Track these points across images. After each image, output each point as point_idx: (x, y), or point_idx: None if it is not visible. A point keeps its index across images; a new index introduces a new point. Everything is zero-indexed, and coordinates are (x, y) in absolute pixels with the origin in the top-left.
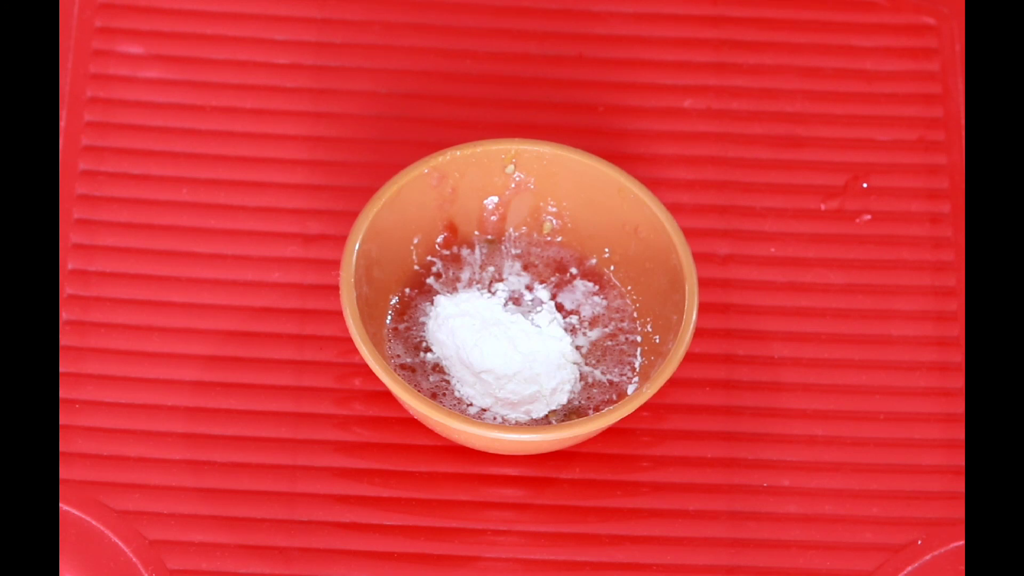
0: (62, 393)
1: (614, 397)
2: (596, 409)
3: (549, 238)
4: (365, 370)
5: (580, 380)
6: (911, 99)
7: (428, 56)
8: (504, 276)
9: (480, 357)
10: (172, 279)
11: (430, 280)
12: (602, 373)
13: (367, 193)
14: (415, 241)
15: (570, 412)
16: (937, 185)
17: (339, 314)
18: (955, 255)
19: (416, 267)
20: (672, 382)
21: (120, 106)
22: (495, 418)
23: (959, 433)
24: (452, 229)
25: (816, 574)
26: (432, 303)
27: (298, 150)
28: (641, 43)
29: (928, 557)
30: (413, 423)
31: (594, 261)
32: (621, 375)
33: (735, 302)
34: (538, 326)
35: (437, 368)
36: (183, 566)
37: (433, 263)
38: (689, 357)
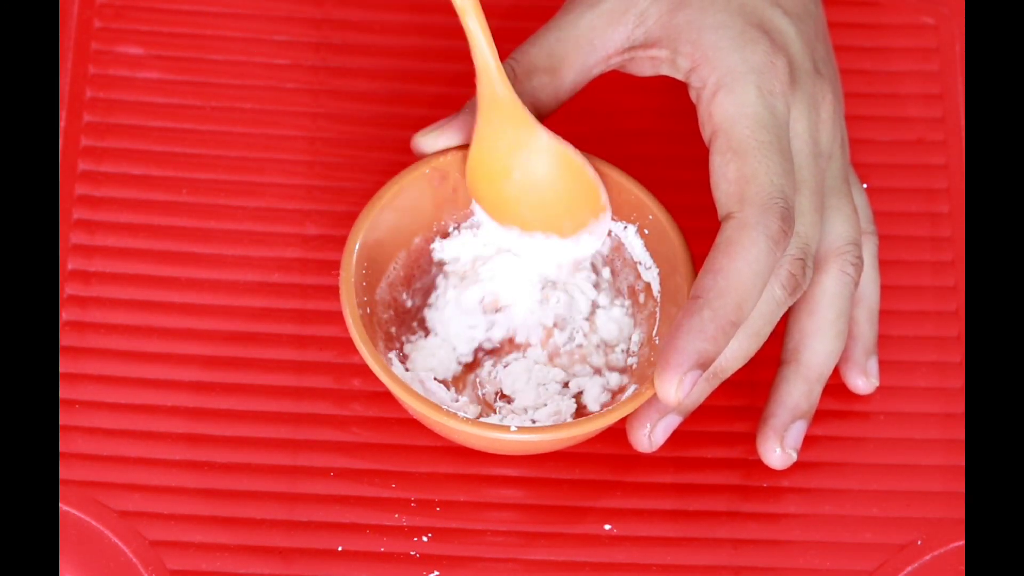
0: (62, 393)
1: (614, 397)
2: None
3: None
4: (365, 370)
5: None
6: (911, 99)
7: (429, 56)
8: None
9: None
10: (172, 280)
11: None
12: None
13: (367, 194)
14: (415, 241)
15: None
16: (936, 185)
17: (339, 314)
18: (954, 255)
19: None
20: None
21: (120, 107)
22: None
23: (959, 433)
24: None
25: (816, 574)
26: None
27: (298, 151)
28: None
29: (928, 557)
30: (413, 423)
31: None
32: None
33: None
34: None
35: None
36: (183, 566)
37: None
38: None
